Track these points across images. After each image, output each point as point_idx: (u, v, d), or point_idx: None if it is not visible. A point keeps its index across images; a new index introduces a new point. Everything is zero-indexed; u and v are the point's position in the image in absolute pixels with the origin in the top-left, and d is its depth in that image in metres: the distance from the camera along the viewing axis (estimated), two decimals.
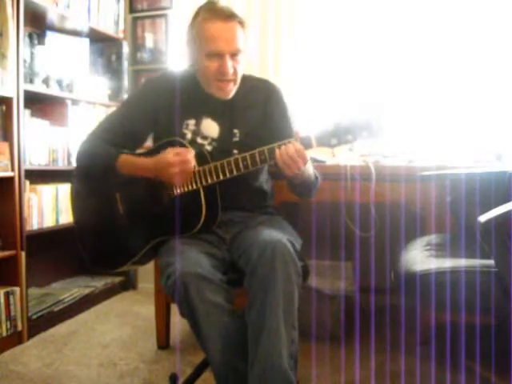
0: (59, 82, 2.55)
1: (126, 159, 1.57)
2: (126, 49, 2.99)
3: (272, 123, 1.65)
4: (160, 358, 2.08)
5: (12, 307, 2.16)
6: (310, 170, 1.56)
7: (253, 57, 2.61)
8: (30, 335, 2.27)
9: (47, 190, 2.48)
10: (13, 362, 2.03)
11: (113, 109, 2.16)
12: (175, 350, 2.17)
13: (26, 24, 2.28)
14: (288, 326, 1.29)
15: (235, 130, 1.62)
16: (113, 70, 2.96)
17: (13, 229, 2.19)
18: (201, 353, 1.43)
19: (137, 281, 3.10)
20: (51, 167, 2.49)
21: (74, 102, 2.65)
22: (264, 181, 1.72)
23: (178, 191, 1.54)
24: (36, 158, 2.39)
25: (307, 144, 1.42)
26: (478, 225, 1.12)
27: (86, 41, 2.78)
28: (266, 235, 1.41)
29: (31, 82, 2.37)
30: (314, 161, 2.02)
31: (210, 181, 1.51)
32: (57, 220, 2.52)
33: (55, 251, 2.76)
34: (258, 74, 1.75)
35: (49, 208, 2.48)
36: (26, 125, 2.28)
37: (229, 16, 1.49)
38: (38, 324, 2.33)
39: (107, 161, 1.57)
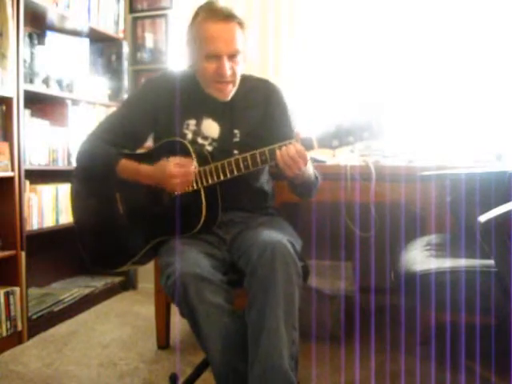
0: (59, 82, 2.55)
1: (126, 165, 1.56)
2: (125, 49, 2.98)
3: (272, 123, 1.65)
4: (160, 358, 2.08)
5: (12, 307, 2.16)
6: (310, 170, 1.55)
7: (253, 57, 2.61)
8: (30, 335, 2.27)
9: (47, 190, 2.48)
10: (13, 361, 2.03)
11: (113, 109, 2.16)
12: (175, 349, 2.17)
13: (26, 24, 2.27)
14: (288, 327, 1.29)
15: (236, 131, 1.62)
16: (113, 70, 2.96)
17: (13, 229, 2.19)
18: (201, 353, 1.43)
19: (137, 281, 3.10)
20: (51, 167, 2.49)
21: (74, 102, 2.65)
22: (265, 181, 1.72)
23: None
24: (36, 158, 2.39)
25: (309, 145, 1.42)
26: (477, 225, 1.12)
27: (86, 41, 2.78)
28: (266, 236, 1.41)
29: (31, 81, 2.37)
30: (314, 161, 2.02)
31: (210, 181, 1.50)
32: (57, 220, 2.52)
33: (55, 251, 2.76)
34: (258, 74, 1.74)
35: (49, 208, 2.48)
36: (26, 125, 2.28)
37: (228, 16, 1.49)
38: (38, 324, 2.33)
39: (107, 161, 1.57)
